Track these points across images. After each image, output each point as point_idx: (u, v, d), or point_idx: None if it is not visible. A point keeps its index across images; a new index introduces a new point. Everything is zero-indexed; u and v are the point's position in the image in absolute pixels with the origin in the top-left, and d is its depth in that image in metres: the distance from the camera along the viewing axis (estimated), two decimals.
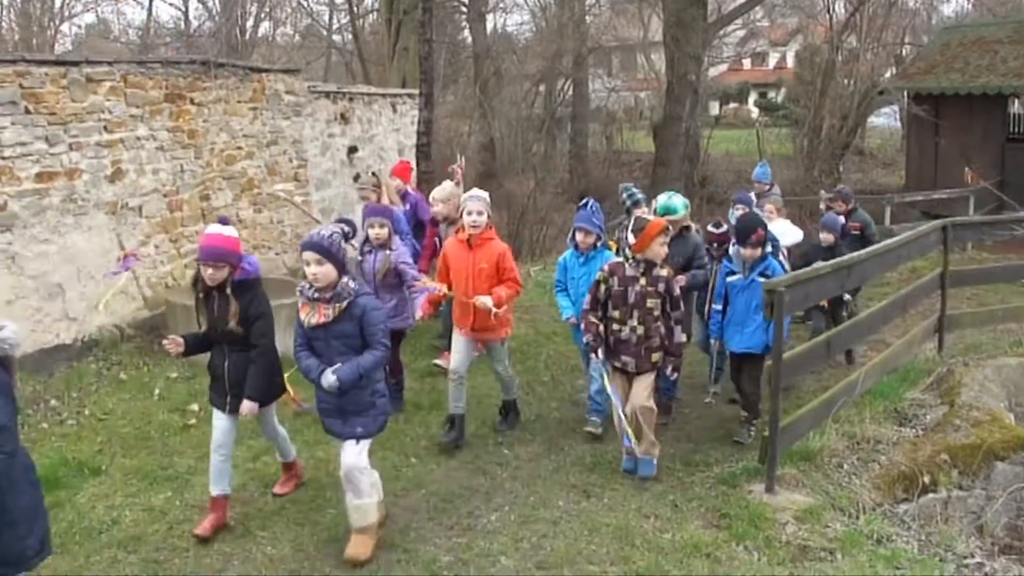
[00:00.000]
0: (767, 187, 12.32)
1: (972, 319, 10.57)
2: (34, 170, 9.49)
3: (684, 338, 7.26)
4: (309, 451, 7.69)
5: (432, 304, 8.12)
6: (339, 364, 5.72)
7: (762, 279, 7.39)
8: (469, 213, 7.50)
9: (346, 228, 6.48)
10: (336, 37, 35.69)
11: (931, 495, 6.67)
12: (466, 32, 34.93)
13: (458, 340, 7.88)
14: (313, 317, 5.75)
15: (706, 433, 8.33)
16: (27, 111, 9.42)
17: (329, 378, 5.68)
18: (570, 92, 32.41)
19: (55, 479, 7.01)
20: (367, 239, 8.26)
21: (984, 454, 6.97)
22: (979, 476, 6.90)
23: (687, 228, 8.47)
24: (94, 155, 10.21)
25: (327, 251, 5.69)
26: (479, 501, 6.74)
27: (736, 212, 10.27)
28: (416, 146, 15.03)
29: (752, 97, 51.94)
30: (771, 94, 48.53)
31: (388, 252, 8.13)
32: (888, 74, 28.82)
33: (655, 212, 8.32)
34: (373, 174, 11.40)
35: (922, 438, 7.44)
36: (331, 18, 34.82)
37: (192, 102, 11.79)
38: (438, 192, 9.58)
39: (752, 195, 11.37)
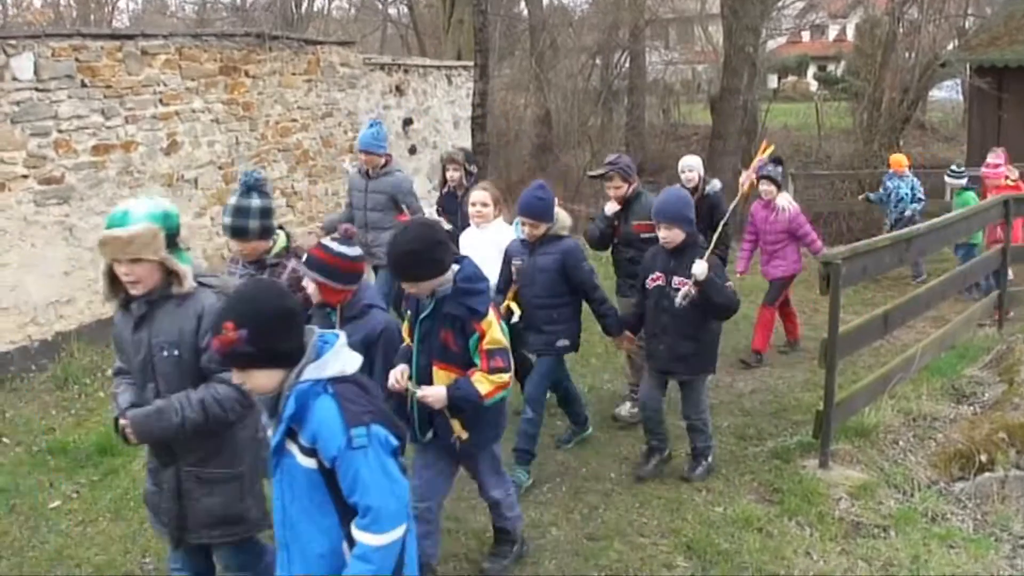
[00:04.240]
0: (381, 160, 8.73)
1: None
2: (91, 143, 9.62)
3: None
4: None
5: None
6: None
7: None
8: None
9: None
10: (391, 10, 35.73)
11: (988, 474, 6.55)
12: (522, 4, 34.78)
13: None
14: None
15: (760, 407, 8.23)
16: (83, 84, 9.55)
17: None
18: (627, 64, 32.12)
19: (110, 447, 7.13)
20: None
21: None
22: None
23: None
24: (150, 128, 10.32)
25: None
26: (531, 472, 6.70)
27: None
28: (471, 118, 15.04)
29: (811, 70, 51.23)
30: (830, 67, 47.73)
31: None
32: (950, 46, 28.25)
33: None
34: None
35: (980, 416, 7.33)
36: None
37: (247, 75, 11.86)
38: None
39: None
